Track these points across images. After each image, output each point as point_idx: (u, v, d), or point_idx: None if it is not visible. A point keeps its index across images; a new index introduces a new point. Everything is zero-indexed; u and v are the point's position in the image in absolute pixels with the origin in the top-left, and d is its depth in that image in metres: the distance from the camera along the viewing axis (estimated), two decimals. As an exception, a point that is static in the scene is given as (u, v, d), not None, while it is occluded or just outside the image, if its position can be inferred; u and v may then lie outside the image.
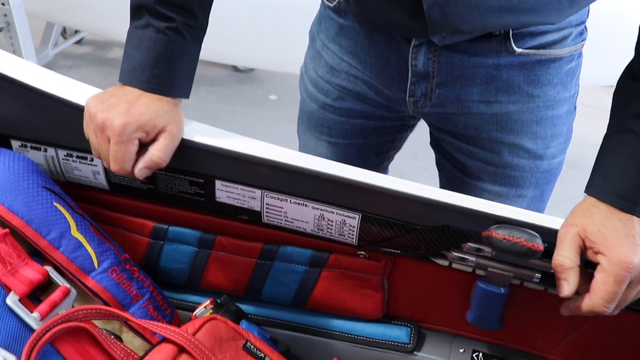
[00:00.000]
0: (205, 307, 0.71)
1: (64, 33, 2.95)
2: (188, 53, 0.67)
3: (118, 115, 0.62)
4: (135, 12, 0.66)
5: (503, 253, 0.63)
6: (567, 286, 0.57)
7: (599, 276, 0.56)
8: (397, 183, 0.65)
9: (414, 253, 0.70)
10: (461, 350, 0.75)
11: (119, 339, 0.65)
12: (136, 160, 0.64)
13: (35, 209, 0.64)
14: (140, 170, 0.64)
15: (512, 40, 0.75)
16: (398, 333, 0.76)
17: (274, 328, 0.76)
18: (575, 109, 0.86)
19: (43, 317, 0.58)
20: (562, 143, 0.85)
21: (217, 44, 2.12)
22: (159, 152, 0.64)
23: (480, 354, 0.75)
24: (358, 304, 0.74)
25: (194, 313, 0.70)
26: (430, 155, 0.96)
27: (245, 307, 0.76)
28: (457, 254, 0.67)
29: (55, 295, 0.60)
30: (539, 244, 0.61)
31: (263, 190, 0.69)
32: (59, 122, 0.70)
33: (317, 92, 0.91)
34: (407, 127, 0.96)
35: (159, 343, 0.58)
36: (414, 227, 0.66)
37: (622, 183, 0.58)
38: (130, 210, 0.75)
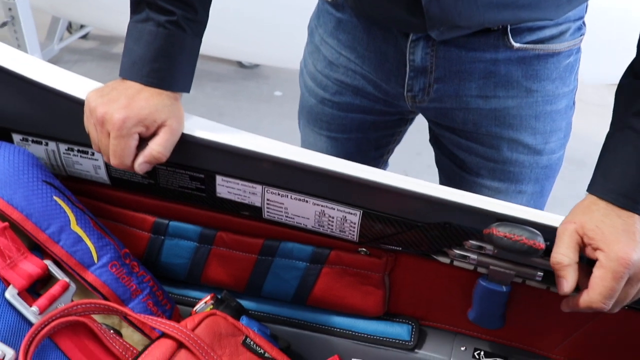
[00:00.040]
0: (205, 302, 0.70)
1: (69, 28, 2.95)
2: (188, 47, 0.67)
3: (118, 110, 0.62)
4: (135, 5, 0.66)
5: (504, 251, 0.62)
6: (566, 283, 0.57)
7: (597, 272, 0.56)
8: (398, 179, 0.64)
9: (415, 250, 0.69)
10: (463, 349, 0.75)
11: (119, 333, 0.65)
12: (136, 155, 0.64)
13: (35, 202, 0.64)
14: (140, 164, 0.64)
15: (510, 35, 0.74)
16: (399, 330, 0.75)
17: (275, 324, 0.76)
18: (574, 104, 0.86)
19: (42, 311, 0.58)
20: (561, 138, 0.85)
21: (222, 39, 2.12)
22: (159, 147, 0.64)
23: (482, 353, 0.74)
24: (359, 301, 0.74)
25: (195, 308, 0.70)
26: (435, 152, 0.95)
27: (245, 303, 0.75)
28: (458, 252, 0.67)
29: (54, 290, 0.60)
30: (540, 242, 0.60)
31: (264, 186, 0.68)
32: (60, 116, 0.70)
33: (315, 86, 0.91)
34: (406, 121, 0.95)
35: (158, 338, 0.58)
36: (415, 224, 0.66)
37: (623, 181, 0.58)
38: (131, 205, 0.75)
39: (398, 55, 0.79)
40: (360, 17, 0.81)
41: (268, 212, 0.71)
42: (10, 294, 0.57)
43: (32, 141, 0.72)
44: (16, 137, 0.73)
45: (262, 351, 0.64)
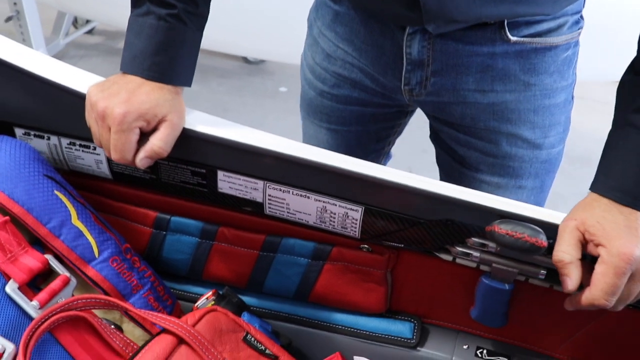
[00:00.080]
0: (207, 298, 0.70)
1: (75, 23, 2.96)
2: (189, 40, 0.66)
3: (118, 104, 0.61)
4: None
5: (506, 249, 0.62)
6: (570, 281, 0.57)
7: (598, 268, 0.56)
8: (400, 176, 0.64)
9: (417, 247, 0.69)
10: (465, 347, 0.74)
11: (120, 329, 0.65)
12: (137, 150, 0.64)
13: (35, 197, 0.63)
14: (141, 159, 0.64)
15: (507, 28, 0.74)
16: (401, 328, 0.75)
17: (276, 321, 0.76)
18: (572, 98, 0.85)
19: (42, 306, 0.58)
20: (560, 132, 0.84)
21: (227, 34, 2.11)
22: (160, 142, 0.63)
23: (485, 351, 0.74)
24: (361, 298, 0.74)
25: (196, 304, 0.70)
26: (441, 149, 0.94)
27: (247, 299, 0.75)
28: (461, 249, 0.66)
29: (55, 284, 0.60)
30: (542, 240, 0.59)
31: (265, 182, 0.68)
32: (62, 111, 0.70)
33: (314, 79, 0.91)
34: (405, 114, 0.95)
35: (158, 334, 0.58)
36: (417, 221, 0.65)
37: (625, 178, 0.58)
38: (133, 199, 0.75)
39: (395, 48, 0.79)
40: (357, 10, 0.81)
41: (270, 207, 0.70)
42: (11, 288, 0.57)
43: (35, 135, 0.72)
44: (18, 131, 0.73)
45: (262, 347, 0.63)
